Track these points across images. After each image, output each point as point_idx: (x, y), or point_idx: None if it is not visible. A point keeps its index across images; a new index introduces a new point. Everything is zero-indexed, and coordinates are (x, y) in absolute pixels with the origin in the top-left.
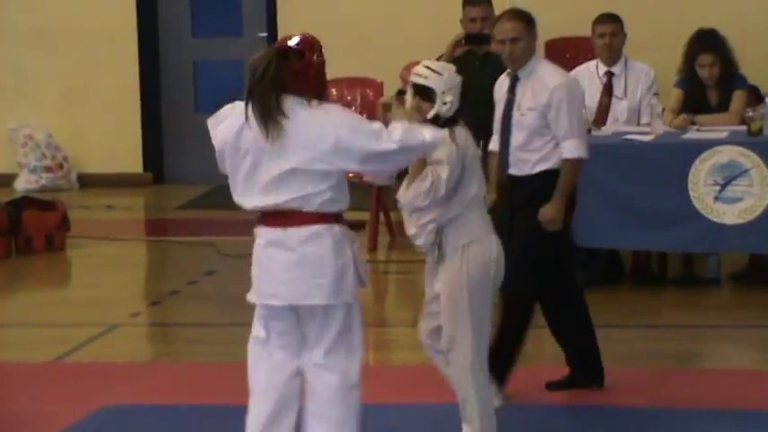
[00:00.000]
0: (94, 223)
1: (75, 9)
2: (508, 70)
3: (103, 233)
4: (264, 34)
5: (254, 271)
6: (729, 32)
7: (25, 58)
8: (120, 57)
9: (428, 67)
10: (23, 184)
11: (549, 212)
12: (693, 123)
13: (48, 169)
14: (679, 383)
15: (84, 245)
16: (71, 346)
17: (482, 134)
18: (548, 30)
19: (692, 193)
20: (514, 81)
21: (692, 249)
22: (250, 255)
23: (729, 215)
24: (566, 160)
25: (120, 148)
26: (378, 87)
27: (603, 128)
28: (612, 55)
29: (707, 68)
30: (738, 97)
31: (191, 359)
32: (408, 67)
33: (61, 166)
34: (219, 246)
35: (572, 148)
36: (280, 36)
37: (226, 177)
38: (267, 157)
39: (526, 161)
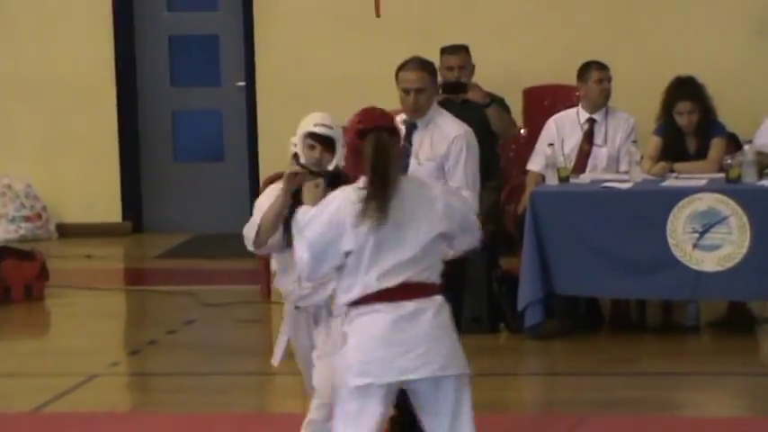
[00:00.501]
0: (73, 273)
1: (53, 58)
2: (403, 117)
3: (82, 283)
4: (242, 83)
5: (374, 349)
6: (708, 79)
7: (3, 107)
8: (99, 106)
9: (324, 121)
10: (2, 234)
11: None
12: (672, 171)
13: (26, 219)
14: (659, 431)
15: (64, 294)
16: (51, 395)
17: None
18: (526, 78)
19: (670, 241)
20: (411, 129)
21: (671, 297)
22: (230, 304)
23: (708, 263)
24: None
25: (99, 198)
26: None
27: (582, 175)
28: (605, 101)
29: (685, 116)
30: (717, 145)
31: (171, 409)
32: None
33: (40, 216)
34: (199, 295)
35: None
36: (258, 85)
37: (204, 227)
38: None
39: None
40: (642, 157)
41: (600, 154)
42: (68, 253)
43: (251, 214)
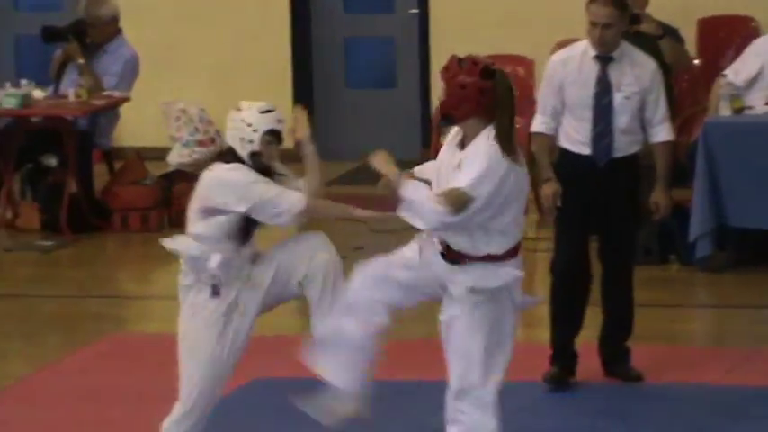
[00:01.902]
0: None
1: None
2: (590, 52)
3: None
4: (416, 11)
5: None
6: None
7: (178, 34)
8: (273, 31)
9: (280, 116)
10: (176, 158)
11: (664, 199)
12: None
13: (200, 143)
14: None
15: None
16: None
17: None
18: (700, 8)
19: None
20: (606, 62)
21: None
22: (400, 230)
23: None
24: (666, 143)
25: None
26: (530, 65)
27: (757, 107)
28: None
29: None
30: None
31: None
32: (560, 45)
33: (213, 141)
34: (369, 221)
35: (670, 131)
36: (431, 13)
37: (372, 152)
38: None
39: (630, 143)
40: None
41: None
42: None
43: (422, 141)
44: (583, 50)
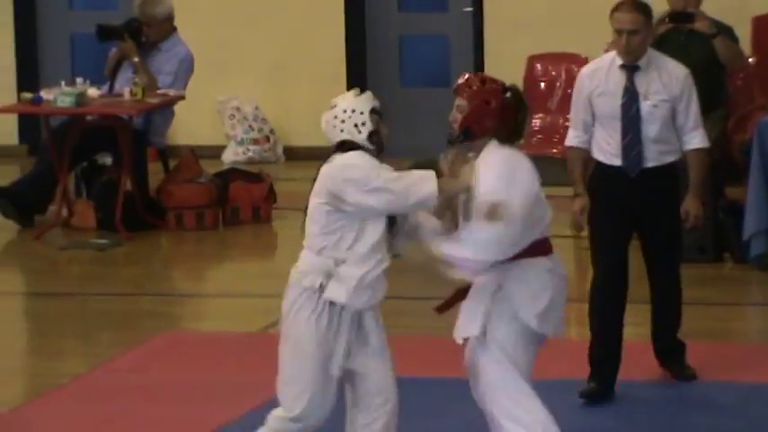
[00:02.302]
0: (300, 195)
1: None
2: (617, 61)
3: None
4: (470, 9)
5: (547, 300)
6: None
7: (232, 32)
8: (327, 30)
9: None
10: (231, 155)
11: (695, 207)
12: None
13: (255, 141)
14: None
15: (290, 216)
16: (276, 316)
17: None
18: (755, 5)
19: None
20: (633, 71)
21: None
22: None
23: None
24: (699, 150)
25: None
26: (582, 63)
27: None
28: None
29: None
30: None
31: (394, 331)
32: (614, 43)
33: (268, 139)
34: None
35: (703, 139)
36: (485, 11)
37: (430, 152)
38: None
39: (663, 153)
40: None
41: None
42: (295, 176)
43: None
44: (611, 60)
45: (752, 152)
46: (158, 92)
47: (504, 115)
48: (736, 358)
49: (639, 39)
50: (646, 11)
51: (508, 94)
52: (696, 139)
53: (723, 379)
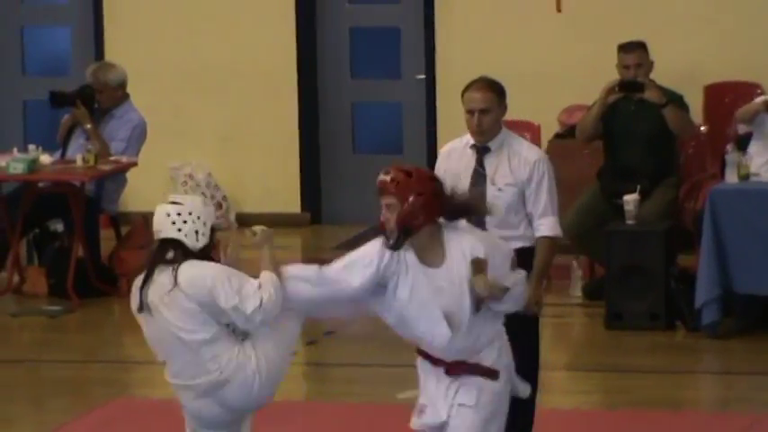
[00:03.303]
0: (253, 262)
1: (234, 49)
2: (469, 141)
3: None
4: (423, 76)
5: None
6: None
7: (185, 99)
8: (280, 97)
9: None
10: None
11: (535, 294)
12: None
13: None
14: None
15: None
16: None
17: (638, 179)
18: (706, 74)
19: None
20: (483, 153)
21: None
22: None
23: None
24: (545, 238)
25: (278, 188)
26: (536, 130)
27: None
28: None
29: None
30: None
31: (346, 399)
32: (567, 111)
33: (220, 206)
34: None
35: (551, 226)
36: (438, 78)
37: (376, 217)
38: None
39: (508, 239)
40: None
41: None
42: (247, 242)
43: None
44: (466, 141)
45: (704, 220)
46: (111, 158)
47: (438, 201)
48: (688, 427)
49: (491, 118)
50: (498, 90)
51: (436, 181)
52: (543, 227)
53: None
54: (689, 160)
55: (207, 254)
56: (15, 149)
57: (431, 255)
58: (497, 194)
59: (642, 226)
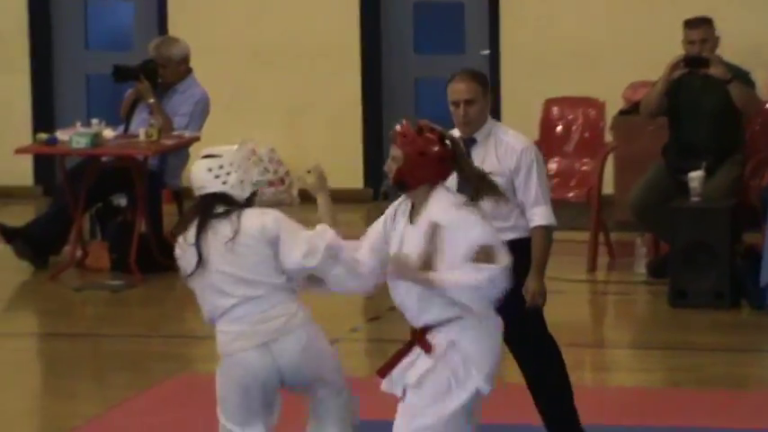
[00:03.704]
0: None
1: (297, 25)
2: (455, 134)
3: None
4: (487, 52)
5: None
6: None
7: (248, 74)
8: (343, 72)
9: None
10: None
11: (534, 285)
12: None
13: (270, 184)
14: None
15: None
16: None
17: (703, 156)
18: None
19: None
20: (469, 145)
21: None
22: None
23: None
24: (539, 228)
25: (341, 164)
26: (600, 107)
27: None
28: None
29: None
30: None
31: None
32: (631, 87)
33: (283, 181)
34: None
35: (545, 215)
36: (502, 54)
37: None
38: None
39: (500, 230)
40: None
41: None
42: (310, 218)
43: None
44: (454, 134)
45: None
46: (174, 133)
47: (441, 166)
48: (753, 405)
49: (477, 109)
50: (482, 81)
51: (447, 143)
52: (537, 217)
53: (739, 427)
54: (754, 137)
55: (252, 202)
56: (78, 124)
57: (417, 213)
58: None
59: (707, 203)
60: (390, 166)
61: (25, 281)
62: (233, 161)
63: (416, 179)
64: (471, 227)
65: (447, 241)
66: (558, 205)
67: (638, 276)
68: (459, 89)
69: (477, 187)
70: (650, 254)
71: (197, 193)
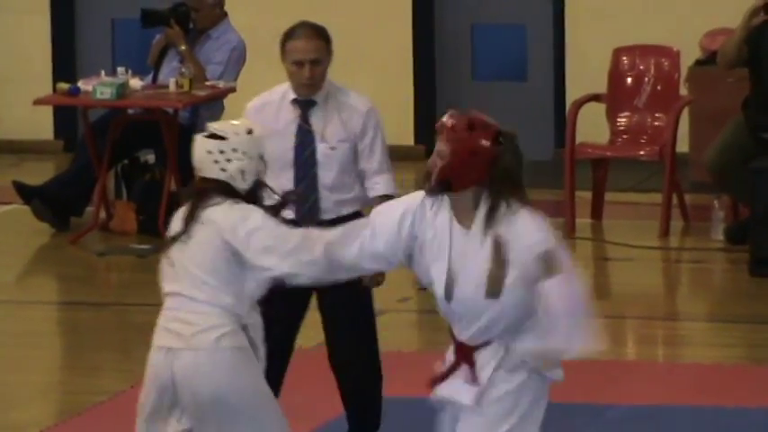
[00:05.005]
0: None
1: None
2: (290, 95)
3: None
4: None
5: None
6: None
7: (288, 20)
8: (393, 17)
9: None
10: None
11: None
12: None
13: None
14: None
15: None
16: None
17: None
18: None
19: None
20: (307, 108)
21: None
22: None
23: None
24: (383, 198)
25: (391, 119)
26: (674, 56)
27: None
28: None
29: None
30: None
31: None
32: (709, 35)
33: None
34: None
35: (389, 184)
36: None
37: None
38: None
39: (341, 203)
40: None
41: None
42: None
43: (555, 141)
44: (282, 95)
45: None
46: (207, 83)
47: (492, 168)
48: None
49: (323, 69)
50: (326, 37)
51: (500, 141)
52: (380, 186)
53: None
54: None
55: (255, 195)
56: (103, 73)
57: (466, 218)
58: (329, 153)
59: None
60: (434, 161)
61: (44, 244)
62: (238, 147)
63: (464, 181)
64: (534, 233)
65: (511, 254)
66: (627, 164)
67: (716, 243)
68: (303, 47)
69: (498, 189)
70: (728, 218)
71: (196, 173)
